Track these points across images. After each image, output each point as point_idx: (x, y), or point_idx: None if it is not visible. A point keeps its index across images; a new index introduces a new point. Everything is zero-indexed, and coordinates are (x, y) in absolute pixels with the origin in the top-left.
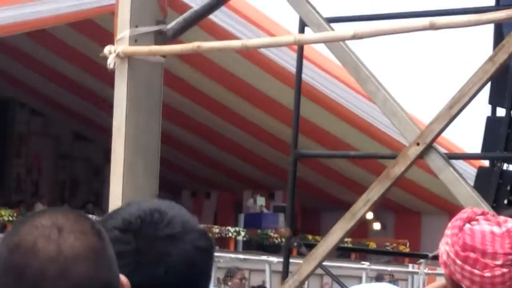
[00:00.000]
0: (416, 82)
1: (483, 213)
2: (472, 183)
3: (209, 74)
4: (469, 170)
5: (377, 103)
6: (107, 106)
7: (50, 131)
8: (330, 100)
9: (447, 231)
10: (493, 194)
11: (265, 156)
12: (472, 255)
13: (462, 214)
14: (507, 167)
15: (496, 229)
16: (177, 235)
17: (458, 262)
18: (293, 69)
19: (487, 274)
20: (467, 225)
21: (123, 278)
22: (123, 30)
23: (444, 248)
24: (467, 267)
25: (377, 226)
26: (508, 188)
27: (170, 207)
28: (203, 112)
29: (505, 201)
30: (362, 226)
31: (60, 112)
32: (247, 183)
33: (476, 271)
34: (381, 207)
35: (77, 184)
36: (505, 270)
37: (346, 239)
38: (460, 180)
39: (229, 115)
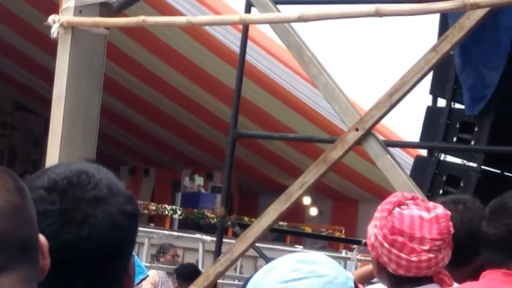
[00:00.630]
0: (359, 69)
1: (413, 198)
2: (409, 173)
3: (152, 50)
4: (407, 159)
5: (318, 87)
6: (50, 77)
7: None
8: (273, 82)
9: (377, 214)
10: (429, 183)
11: (206, 135)
12: (400, 239)
13: (392, 198)
14: (444, 157)
15: (425, 214)
16: (103, 198)
17: (386, 245)
18: (237, 49)
19: (414, 258)
20: (397, 209)
21: (42, 238)
22: (68, 0)
23: (372, 230)
24: (394, 251)
25: (314, 211)
26: (444, 178)
27: (97, 170)
28: (144, 88)
29: (440, 191)
30: (299, 211)
31: (1, 81)
32: (187, 162)
33: (403, 255)
34: (319, 193)
35: (16, 154)
36: (431, 255)
37: (282, 223)
38: (396, 168)
39: (171, 92)
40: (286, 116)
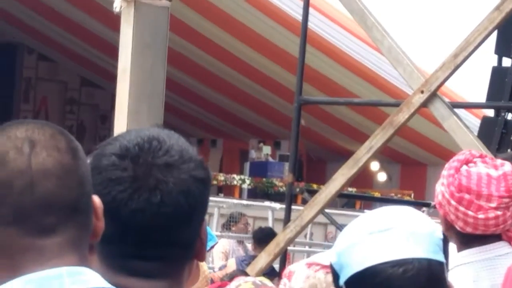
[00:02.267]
0: (423, 31)
1: (481, 156)
2: (476, 134)
3: (214, 21)
4: (474, 121)
5: (382, 51)
6: (115, 52)
7: (58, 77)
8: (336, 48)
9: (444, 172)
10: (497, 143)
11: (272, 104)
12: (466, 196)
13: (460, 156)
14: (511, 117)
15: (492, 172)
16: (174, 164)
17: (453, 202)
18: (299, 17)
19: (481, 216)
20: (464, 167)
21: (96, 200)
22: None
23: (439, 188)
24: (461, 208)
25: (382, 177)
26: (511, 138)
27: (169, 136)
28: (209, 59)
29: (509, 150)
30: (367, 177)
31: (68, 57)
32: (254, 132)
33: (470, 213)
34: (387, 158)
35: (84, 129)
36: (499, 212)
37: (351, 189)
38: (463, 128)
39: (235, 62)
40: (350, 82)
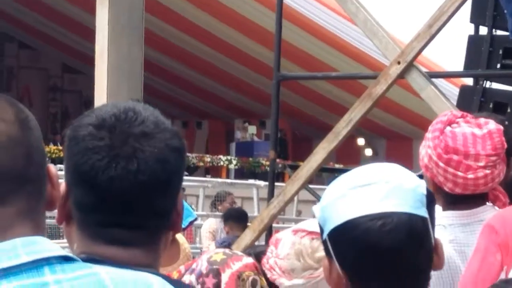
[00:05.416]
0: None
1: (463, 116)
2: (455, 103)
3: (192, 0)
4: (452, 90)
5: (357, 24)
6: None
7: (39, 64)
8: (311, 22)
9: (428, 134)
10: (476, 111)
11: (254, 83)
12: (455, 157)
13: (442, 117)
14: (489, 85)
15: (477, 131)
16: (150, 133)
17: (441, 164)
18: None
19: (471, 175)
20: (448, 128)
21: (52, 169)
22: None
23: (425, 151)
24: (450, 170)
25: (368, 152)
26: (491, 105)
27: (144, 108)
28: (187, 38)
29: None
30: (354, 153)
31: (49, 44)
32: (238, 112)
33: (459, 173)
34: (372, 134)
35: (69, 116)
36: (487, 171)
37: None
38: (441, 98)
39: (213, 41)
40: (329, 56)
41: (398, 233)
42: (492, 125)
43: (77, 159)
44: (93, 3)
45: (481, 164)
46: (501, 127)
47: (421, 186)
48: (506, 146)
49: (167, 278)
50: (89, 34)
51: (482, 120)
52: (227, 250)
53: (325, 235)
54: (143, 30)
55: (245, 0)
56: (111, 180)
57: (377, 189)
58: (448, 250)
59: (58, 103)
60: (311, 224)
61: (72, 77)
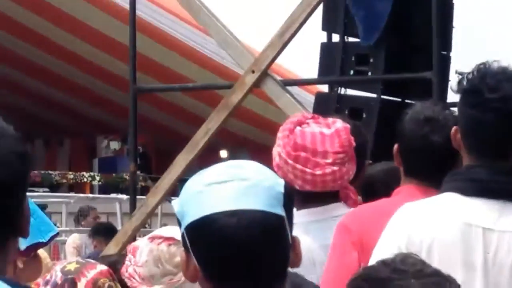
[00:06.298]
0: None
1: (313, 117)
2: (311, 110)
3: (40, 13)
4: (308, 98)
5: (211, 34)
6: None
7: None
8: (165, 34)
9: (279, 134)
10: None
11: (115, 99)
12: (303, 154)
13: (293, 118)
14: (344, 92)
15: (325, 130)
16: None
17: (290, 161)
18: (126, 5)
19: (318, 172)
20: (298, 128)
21: None
22: None
23: (276, 150)
24: (299, 166)
25: None
26: (346, 111)
27: None
28: (40, 54)
29: None
30: None
31: None
32: (100, 128)
33: (307, 170)
34: (235, 146)
35: None
36: (335, 168)
37: None
38: (297, 105)
39: (69, 57)
40: (185, 68)
41: (252, 230)
42: (339, 124)
43: None
44: None
45: (329, 161)
46: (348, 126)
47: (279, 185)
48: (354, 144)
49: (10, 282)
50: None
51: (330, 119)
52: (79, 259)
53: (182, 229)
54: None
55: (98, 13)
56: None
57: (233, 187)
58: (309, 245)
59: None
60: (168, 231)
61: None
